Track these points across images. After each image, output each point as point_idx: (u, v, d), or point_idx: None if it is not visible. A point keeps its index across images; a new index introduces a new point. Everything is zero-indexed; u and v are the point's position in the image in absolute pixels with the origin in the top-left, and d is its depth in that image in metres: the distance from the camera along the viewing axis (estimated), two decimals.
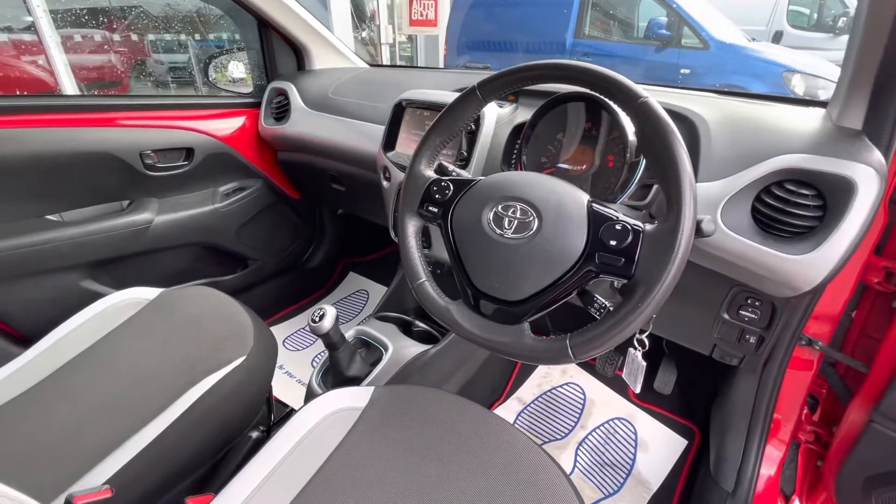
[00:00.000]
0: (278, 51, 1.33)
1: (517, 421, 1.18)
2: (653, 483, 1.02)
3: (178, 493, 0.70)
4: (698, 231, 0.54)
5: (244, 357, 0.78)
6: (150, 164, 1.14)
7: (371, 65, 1.50)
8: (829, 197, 0.58)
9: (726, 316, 0.76)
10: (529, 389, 1.26)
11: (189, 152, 1.21)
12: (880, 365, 0.72)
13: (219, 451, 0.76)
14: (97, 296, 0.94)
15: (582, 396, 1.22)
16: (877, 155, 0.58)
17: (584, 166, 0.71)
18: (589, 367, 1.28)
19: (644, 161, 0.67)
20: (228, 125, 1.30)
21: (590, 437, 1.12)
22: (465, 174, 0.66)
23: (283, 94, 1.28)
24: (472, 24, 5.02)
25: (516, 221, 0.55)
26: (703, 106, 0.77)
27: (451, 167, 0.67)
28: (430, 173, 0.65)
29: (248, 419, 0.82)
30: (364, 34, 6.65)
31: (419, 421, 0.64)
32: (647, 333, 0.67)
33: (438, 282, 0.63)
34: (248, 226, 1.40)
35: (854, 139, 0.60)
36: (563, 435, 1.13)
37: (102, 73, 4.92)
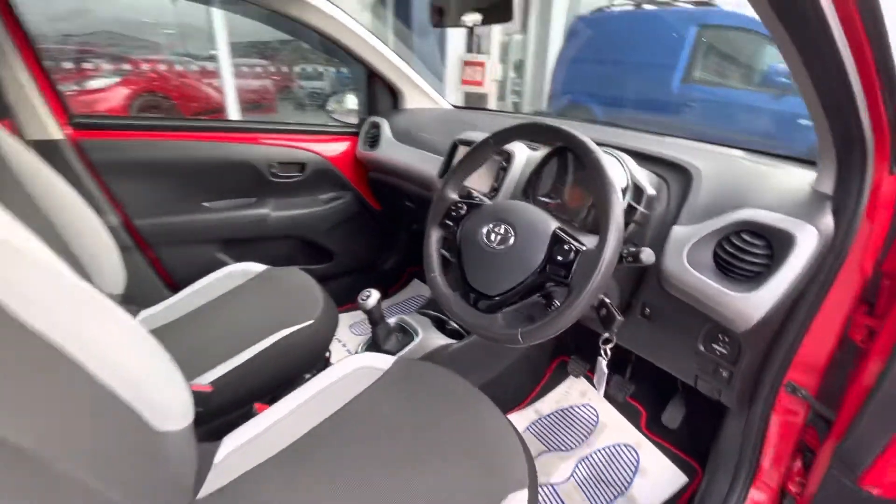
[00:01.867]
0: (378, 92, 1.66)
1: (529, 428, 1.30)
2: None
3: (251, 403, 0.98)
4: (637, 259, 0.68)
5: (311, 322, 1.05)
6: (273, 173, 1.52)
7: (455, 106, 1.78)
8: (776, 249, 0.68)
9: (702, 348, 0.85)
10: (548, 404, 1.37)
11: (302, 166, 1.58)
12: (845, 410, 0.75)
13: (283, 382, 1.03)
14: (223, 264, 1.30)
15: (595, 418, 1.30)
16: (826, 220, 0.66)
17: (580, 202, 0.87)
18: (625, 408, 1.35)
19: (625, 203, 0.81)
20: (334, 148, 1.65)
21: (593, 454, 1.20)
22: (486, 200, 0.86)
23: (377, 126, 1.60)
24: (574, 71, 5.15)
25: (499, 236, 0.75)
26: (704, 158, 0.89)
27: (475, 192, 0.89)
28: (454, 196, 0.87)
29: (308, 366, 1.08)
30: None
31: (420, 389, 0.83)
32: (610, 345, 0.80)
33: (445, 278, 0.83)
34: (337, 228, 1.74)
35: (815, 202, 0.69)
36: (569, 448, 1.23)
37: (258, 96, 5.98)
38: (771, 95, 3.96)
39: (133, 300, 1.28)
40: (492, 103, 6.93)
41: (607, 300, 0.81)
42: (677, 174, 0.90)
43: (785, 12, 0.50)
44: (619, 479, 1.14)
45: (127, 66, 5.16)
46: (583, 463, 1.18)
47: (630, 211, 0.81)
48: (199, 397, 0.92)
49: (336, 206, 1.70)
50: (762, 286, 0.67)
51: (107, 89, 4.89)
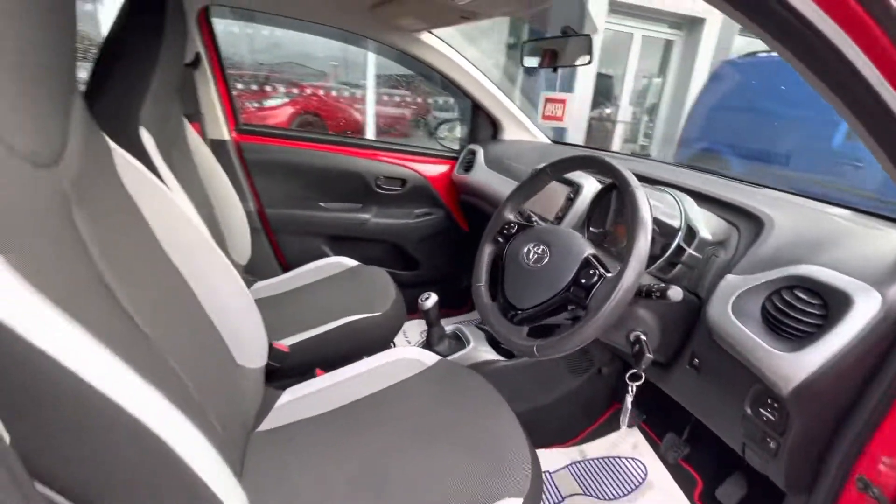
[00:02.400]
0: (480, 122, 1.81)
1: (569, 467, 1.27)
2: None
3: (314, 368, 1.15)
4: (664, 295, 0.69)
5: (379, 313, 1.21)
6: (378, 185, 1.75)
7: (553, 141, 1.85)
8: (831, 310, 0.63)
9: (749, 410, 0.78)
10: (596, 448, 1.32)
11: (403, 182, 1.79)
12: None
13: (345, 357, 1.18)
14: (325, 255, 1.54)
15: (642, 476, 1.22)
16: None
17: (625, 236, 0.88)
18: (677, 471, 1.25)
19: (674, 244, 0.81)
20: (434, 169, 1.84)
21: None
22: (540, 224, 0.92)
23: (473, 153, 1.74)
24: (713, 118, 4.78)
25: (537, 255, 0.80)
26: (786, 210, 0.84)
27: (534, 216, 0.96)
28: (509, 216, 0.95)
29: (368, 350, 1.23)
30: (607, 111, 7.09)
31: (452, 389, 0.90)
32: (638, 382, 0.79)
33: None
34: (426, 241, 1.90)
35: (882, 263, 0.62)
36: (605, 498, 1.17)
37: (394, 121, 6.66)
38: None
39: (252, 271, 1.59)
40: (616, 144, 6.74)
41: (643, 336, 0.80)
42: (750, 223, 0.86)
43: (829, 77, 0.49)
44: None
45: (295, 90, 6.20)
46: None
47: (678, 251, 0.80)
48: (278, 354, 1.13)
49: (428, 221, 1.87)
50: (807, 347, 0.62)
51: (277, 108, 5.93)
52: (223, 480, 0.53)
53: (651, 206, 0.81)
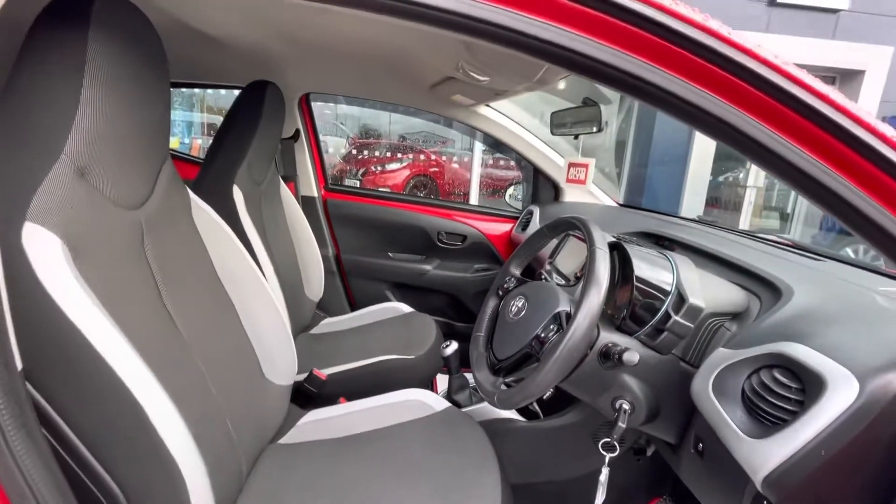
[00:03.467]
0: (542, 185, 1.88)
1: None
2: None
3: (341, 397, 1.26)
4: (620, 360, 0.67)
5: (413, 357, 1.31)
6: (440, 239, 1.90)
7: (620, 205, 1.82)
8: (807, 396, 0.55)
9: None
10: None
11: (464, 238, 1.91)
12: None
13: (373, 392, 1.28)
14: (387, 300, 1.71)
15: None
16: (890, 378, 0.50)
17: (624, 300, 0.85)
18: None
19: (662, 310, 0.77)
20: (495, 228, 1.93)
21: None
22: (549, 281, 0.96)
23: (531, 213, 1.80)
24: None
25: (517, 308, 0.84)
26: (814, 282, 0.76)
27: (542, 273, 0.99)
28: (514, 271, 0.99)
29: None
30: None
31: (451, 436, 0.93)
32: (613, 453, 0.75)
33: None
34: (481, 295, 1.96)
35: (883, 348, 0.53)
36: None
37: (497, 182, 6.95)
38: None
39: (325, 308, 1.82)
40: (748, 212, 6.01)
41: (626, 405, 0.77)
42: (772, 294, 0.78)
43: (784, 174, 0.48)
44: None
45: (411, 156, 6.95)
46: None
47: (664, 318, 0.76)
48: (316, 381, 1.28)
49: (486, 276, 1.95)
50: (775, 434, 0.55)
51: (396, 171, 6.69)
52: (197, 474, 0.65)
53: (634, 265, 0.80)
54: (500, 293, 0.98)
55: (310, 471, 0.87)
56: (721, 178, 6.40)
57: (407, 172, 6.73)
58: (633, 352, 0.67)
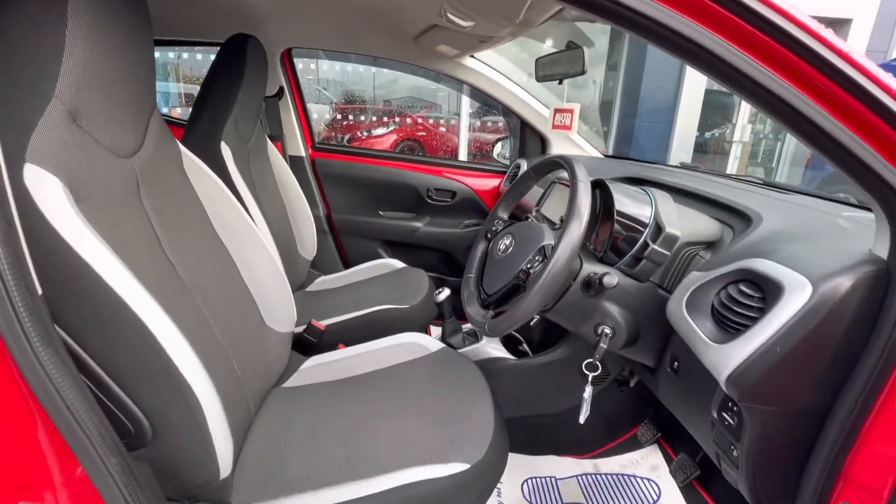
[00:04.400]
0: (529, 139, 1.89)
1: (579, 477, 1.24)
2: None
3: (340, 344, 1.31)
4: (601, 284, 0.72)
5: (408, 306, 1.35)
6: (430, 196, 1.92)
7: (605, 155, 1.85)
8: (768, 301, 0.60)
9: (715, 415, 0.74)
10: (611, 464, 1.27)
11: (453, 194, 1.93)
12: None
13: (370, 339, 1.33)
14: (380, 257, 1.74)
15: (655, 497, 1.14)
16: (838, 282, 0.56)
17: (606, 234, 0.89)
18: (688, 490, 1.16)
19: (641, 240, 0.81)
20: (483, 183, 1.95)
21: None
22: (534, 226, 0.99)
23: (518, 167, 1.82)
24: None
25: (505, 246, 0.88)
26: (779, 209, 0.81)
27: (531, 216, 1.03)
28: (501, 214, 1.03)
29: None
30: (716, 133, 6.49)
31: (447, 372, 0.99)
32: (594, 372, 0.81)
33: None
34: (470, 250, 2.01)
35: (847, 265, 0.58)
36: None
37: (485, 144, 6.90)
38: None
39: (319, 267, 1.85)
40: (733, 167, 6.09)
41: (607, 330, 0.82)
42: (743, 222, 0.83)
43: (754, 96, 0.51)
44: None
45: (398, 120, 6.83)
46: None
47: (643, 247, 0.80)
48: (315, 331, 1.33)
49: (475, 231, 1.98)
50: (737, 338, 0.60)
51: (383, 135, 6.59)
52: (213, 400, 0.69)
53: (616, 200, 0.84)
54: (489, 236, 1.02)
55: (315, 410, 0.93)
56: (708, 135, 6.42)
57: (394, 137, 6.64)
58: (613, 275, 0.72)
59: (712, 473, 1.11)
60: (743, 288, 0.64)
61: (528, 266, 0.78)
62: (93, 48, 0.60)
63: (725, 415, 0.72)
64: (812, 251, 0.63)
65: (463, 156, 6.05)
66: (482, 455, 0.78)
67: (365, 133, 6.77)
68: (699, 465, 1.12)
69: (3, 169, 0.45)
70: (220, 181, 0.96)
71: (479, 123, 6.55)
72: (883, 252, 0.57)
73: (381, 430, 0.84)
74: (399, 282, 1.53)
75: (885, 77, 0.48)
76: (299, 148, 1.83)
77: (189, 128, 1.20)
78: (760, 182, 1.16)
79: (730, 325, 0.64)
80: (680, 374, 0.84)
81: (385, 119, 6.80)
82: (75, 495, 0.48)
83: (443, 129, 6.98)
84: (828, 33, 0.48)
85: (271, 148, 1.56)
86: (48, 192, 0.55)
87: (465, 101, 5.60)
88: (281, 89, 1.68)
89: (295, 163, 1.79)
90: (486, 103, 1.77)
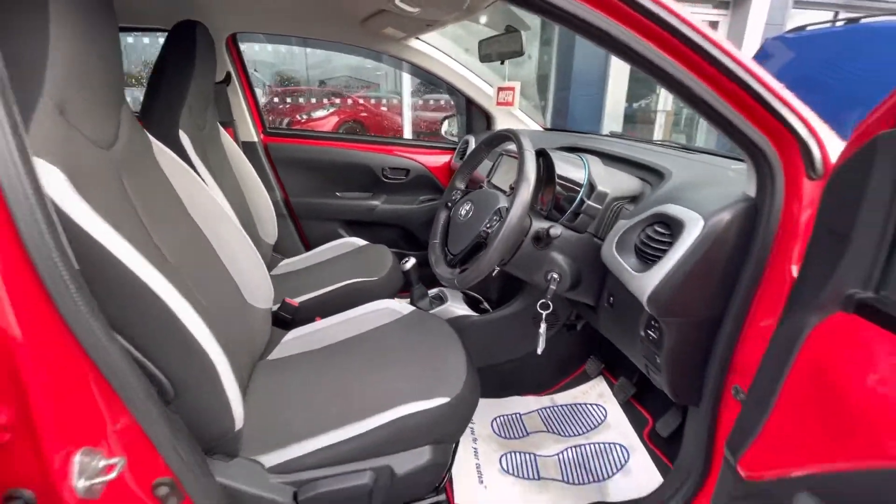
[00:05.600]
0: (475, 116, 2.01)
1: (539, 411, 1.43)
2: (610, 499, 1.12)
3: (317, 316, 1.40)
4: (548, 235, 0.87)
5: (376, 278, 1.45)
6: (385, 175, 2.00)
7: (545, 128, 2.01)
8: (674, 236, 0.78)
9: (642, 333, 0.93)
10: (565, 397, 1.47)
11: (407, 172, 2.03)
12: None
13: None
14: (340, 237, 1.81)
15: (602, 418, 1.36)
16: (721, 216, 0.73)
17: (549, 196, 1.05)
18: (627, 407, 1.38)
19: (577, 198, 0.97)
20: (435, 160, 2.06)
21: (587, 445, 1.28)
22: (490, 193, 1.12)
23: (467, 142, 1.95)
24: None
25: (466, 211, 1.01)
26: (685, 165, 0.99)
27: (484, 185, 1.15)
28: (459, 185, 1.15)
29: None
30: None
31: (419, 330, 1.11)
32: (547, 310, 0.97)
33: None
34: (428, 224, 2.11)
35: (730, 203, 0.76)
36: (566, 435, 1.32)
37: (431, 124, 6.95)
38: None
39: (280, 251, 1.89)
40: (658, 134, 6.58)
41: (555, 275, 0.98)
42: (657, 177, 1.01)
43: (645, 65, 0.66)
44: (600, 470, 1.20)
45: (338, 101, 6.68)
46: (573, 449, 1.27)
47: (580, 203, 0.96)
48: (289, 308, 1.40)
49: (431, 206, 2.10)
50: (653, 266, 0.78)
51: (324, 118, 6.43)
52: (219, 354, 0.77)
53: (556, 165, 0.99)
54: (449, 205, 1.14)
55: (303, 375, 1.02)
56: (636, 105, 6.86)
57: (335, 119, 6.50)
58: (557, 227, 0.87)
59: (644, 391, 1.34)
60: (657, 228, 0.81)
61: (488, 226, 0.91)
62: (73, 42, 0.65)
63: (650, 331, 0.91)
64: (706, 195, 0.82)
65: (408, 135, 6.07)
66: (459, 390, 0.92)
67: (304, 116, 6.57)
68: (635, 385, 1.34)
69: (20, 164, 0.50)
70: (188, 168, 1.01)
71: (420, 102, 6.57)
72: (752, 192, 0.76)
73: (369, 382, 0.95)
74: (363, 258, 1.63)
75: (747, 60, 0.65)
76: (251, 133, 1.84)
77: (145, 117, 1.20)
78: (673, 145, 1.36)
79: (648, 257, 0.82)
80: (615, 306, 1.02)
81: (325, 101, 6.62)
82: (127, 441, 0.56)
83: (384, 108, 6.92)
84: (704, 26, 0.63)
85: (224, 135, 1.57)
86: (55, 182, 0.60)
87: (407, 79, 5.58)
88: (228, 75, 1.68)
89: (248, 148, 1.80)
90: (431, 82, 1.85)
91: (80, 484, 0.50)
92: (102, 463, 0.52)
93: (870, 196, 0.51)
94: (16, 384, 0.46)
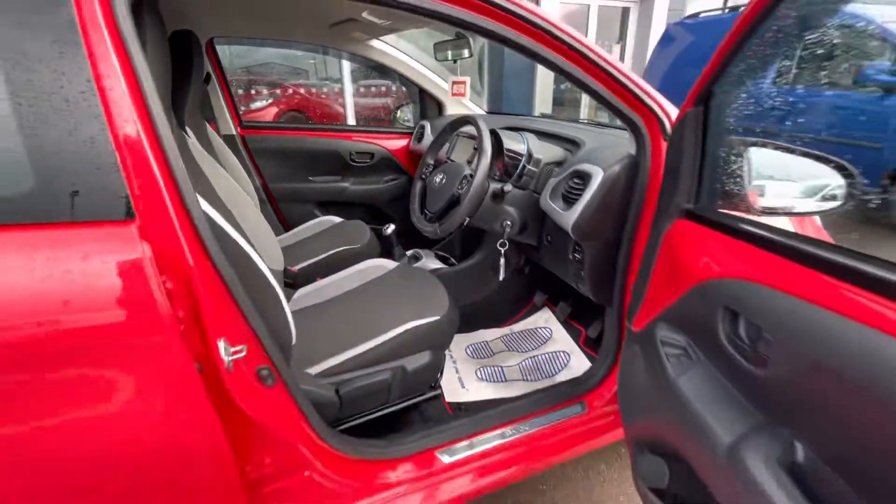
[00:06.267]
0: (427, 104, 2.32)
1: (502, 337, 1.81)
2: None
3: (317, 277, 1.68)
4: (503, 191, 1.22)
5: (360, 245, 1.74)
6: (352, 159, 2.27)
7: (488, 112, 2.36)
8: (585, 184, 1.16)
9: (571, 257, 1.32)
10: (521, 325, 1.87)
11: (372, 156, 2.31)
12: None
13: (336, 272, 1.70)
14: (316, 216, 2.06)
15: (549, 335, 1.77)
16: (614, 168, 1.12)
17: (500, 165, 1.40)
18: (565, 325, 1.81)
19: (521, 164, 1.33)
20: (395, 143, 2.36)
21: (540, 355, 1.68)
22: (451, 162, 1.45)
23: (423, 127, 2.26)
24: (670, 78, 5.11)
25: (439, 179, 1.34)
26: (595, 137, 1.38)
27: (451, 160, 1.48)
28: (429, 161, 1.48)
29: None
30: None
31: (405, 278, 1.42)
32: (504, 248, 1.34)
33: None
34: (395, 200, 2.43)
35: (618, 160, 1.15)
36: (524, 351, 1.72)
37: (376, 112, 7.07)
38: (875, 95, 3.74)
39: None
40: (584, 113, 7.20)
41: (508, 223, 1.34)
42: (575, 146, 1.39)
43: (538, 58, 1.01)
44: (550, 370, 1.60)
45: (278, 91, 6.64)
46: (530, 359, 1.67)
47: (522, 169, 1.33)
48: (291, 274, 1.66)
49: (395, 185, 2.40)
50: (574, 205, 1.16)
51: (263, 109, 6.39)
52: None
53: (504, 142, 1.34)
54: (423, 177, 1.46)
55: (317, 317, 1.31)
56: (563, 86, 7.44)
57: (275, 110, 6.48)
58: (508, 185, 1.23)
59: (578, 311, 1.76)
60: (575, 180, 1.19)
61: (459, 188, 1.25)
62: (163, 56, 0.90)
63: (575, 254, 1.30)
64: (606, 156, 1.20)
65: (351, 122, 6.20)
66: (446, 310, 1.26)
67: (242, 108, 6.48)
68: (570, 307, 1.76)
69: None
70: (208, 154, 1.25)
71: (361, 89, 6.69)
72: (633, 151, 1.15)
73: (379, 311, 1.27)
74: (343, 231, 1.91)
75: (615, 61, 1.02)
76: (230, 127, 2.03)
77: None
78: (587, 122, 1.77)
79: (570, 199, 1.20)
80: (552, 243, 1.41)
81: (264, 91, 6.56)
82: (246, 338, 0.84)
83: (324, 96, 6.96)
84: (576, 32, 0.99)
85: (209, 129, 1.77)
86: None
87: (346, 67, 5.70)
88: (208, 75, 1.86)
89: (228, 141, 1.99)
90: (372, 68, 2.12)
91: (226, 358, 0.78)
92: (232, 349, 0.81)
93: (685, 149, 0.90)
94: (189, 294, 0.73)
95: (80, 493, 0.71)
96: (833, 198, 0.87)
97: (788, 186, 0.93)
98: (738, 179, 0.90)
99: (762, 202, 0.90)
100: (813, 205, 0.91)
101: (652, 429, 0.89)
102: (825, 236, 1.19)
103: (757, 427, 0.59)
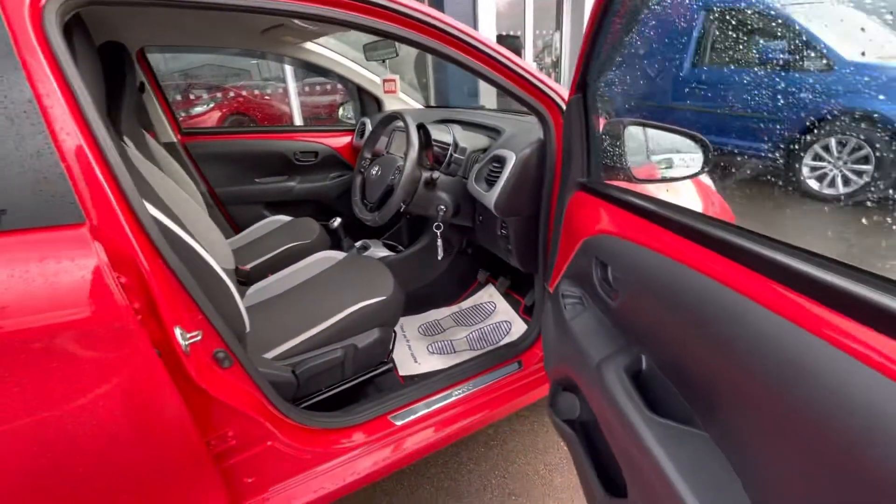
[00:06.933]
0: (367, 101, 2.42)
1: (451, 315, 1.96)
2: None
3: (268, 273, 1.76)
4: (433, 179, 1.36)
5: (310, 241, 1.83)
6: (297, 159, 2.34)
7: (427, 106, 2.48)
8: (503, 167, 1.31)
9: (499, 233, 1.47)
10: (468, 303, 2.02)
11: (316, 154, 2.38)
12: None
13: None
14: (264, 217, 2.13)
15: (493, 308, 1.93)
16: (525, 151, 1.28)
17: (429, 155, 1.54)
18: (506, 297, 1.98)
19: (448, 153, 1.47)
20: (338, 141, 2.44)
21: (485, 327, 1.84)
22: (387, 155, 1.56)
23: (364, 124, 2.35)
24: None
25: (375, 171, 1.45)
26: (514, 125, 1.53)
27: (389, 153, 1.60)
28: (367, 155, 1.59)
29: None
30: None
31: (354, 266, 1.54)
32: (440, 230, 1.47)
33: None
34: (342, 196, 2.51)
35: (530, 144, 1.30)
36: (470, 325, 1.87)
37: (323, 110, 7.01)
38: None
39: None
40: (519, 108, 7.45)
41: (442, 207, 1.48)
42: (497, 134, 1.54)
43: (447, 58, 1.15)
44: (494, 339, 1.77)
45: (219, 95, 6.47)
46: (476, 331, 1.82)
47: (450, 157, 1.47)
48: (243, 273, 1.73)
49: (341, 181, 2.49)
50: (494, 186, 1.31)
51: (205, 114, 6.22)
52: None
53: (432, 134, 1.48)
54: (362, 170, 1.57)
55: (268, 312, 1.40)
56: None
57: (218, 114, 6.32)
58: (438, 173, 1.37)
59: (516, 284, 1.93)
60: (494, 164, 1.34)
61: (392, 179, 1.38)
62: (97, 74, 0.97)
63: (502, 230, 1.46)
64: (520, 141, 1.36)
65: (298, 122, 6.14)
66: (391, 291, 1.39)
67: (182, 114, 6.28)
68: (509, 280, 1.93)
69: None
70: (148, 161, 1.31)
71: (306, 88, 6.62)
72: (542, 136, 1.31)
73: (328, 296, 1.38)
74: (293, 229, 1.99)
75: (514, 57, 1.17)
76: (170, 135, 2.05)
77: None
78: (511, 111, 1.92)
79: (491, 181, 1.35)
80: (483, 222, 1.56)
81: (204, 96, 6.37)
82: (200, 325, 0.94)
83: (267, 97, 6.84)
84: (472, 29, 1.13)
85: (148, 138, 1.80)
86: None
87: (288, 67, 5.65)
88: (142, 84, 1.87)
89: (169, 149, 2.01)
90: (317, 70, 2.20)
91: (182, 343, 0.88)
92: (189, 334, 0.90)
93: (574, 131, 1.06)
94: (143, 287, 0.82)
95: (54, 472, 0.79)
96: (692, 166, 1.06)
97: (659, 159, 1.11)
98: (618, 156, 1.07)
99: (637, 173, 1.08)
100: (678, 172, 1.10)
101: (562, 369, 1.06)
102: (727, 208, 1.39)
103: (618, 348, 0.76)
